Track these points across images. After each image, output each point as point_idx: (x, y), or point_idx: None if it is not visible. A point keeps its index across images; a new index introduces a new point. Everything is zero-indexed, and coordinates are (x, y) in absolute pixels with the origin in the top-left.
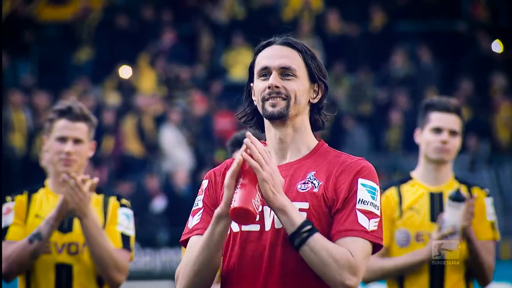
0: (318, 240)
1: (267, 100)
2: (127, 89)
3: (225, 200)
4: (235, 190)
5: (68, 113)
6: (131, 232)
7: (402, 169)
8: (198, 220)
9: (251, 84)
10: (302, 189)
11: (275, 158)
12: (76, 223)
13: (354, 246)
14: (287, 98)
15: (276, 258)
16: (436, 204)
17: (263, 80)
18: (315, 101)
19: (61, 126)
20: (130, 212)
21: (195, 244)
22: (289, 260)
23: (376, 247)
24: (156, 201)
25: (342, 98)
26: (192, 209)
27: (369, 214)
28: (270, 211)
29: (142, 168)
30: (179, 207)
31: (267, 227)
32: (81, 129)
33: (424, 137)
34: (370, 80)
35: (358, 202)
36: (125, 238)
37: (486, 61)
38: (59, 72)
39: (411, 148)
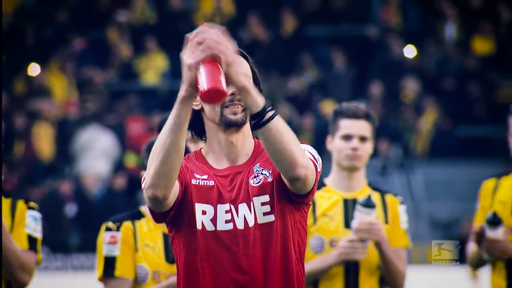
0: (281, 120)
1: (227, 107)
2: (37, 93)
3: (189, 81)
4: (198, 72)
5: None
6: (38, 234)
7: None
8: None
9: None
10: (257, 183)
11: (224, 161)
12: None
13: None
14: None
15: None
16: (350, 210)
17: None
18: None
19: None
20: (38, 214)
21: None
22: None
23: None
24: (69, 206)
25: None
26: None
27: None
28: (237, 209)
29: (54, 173)
30: (90, 211)
31: (240, 225)
32: None
33: (335, 145)
34: (282, 85)
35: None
36: (32, 240)
37: (397, 65)
38: None
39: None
